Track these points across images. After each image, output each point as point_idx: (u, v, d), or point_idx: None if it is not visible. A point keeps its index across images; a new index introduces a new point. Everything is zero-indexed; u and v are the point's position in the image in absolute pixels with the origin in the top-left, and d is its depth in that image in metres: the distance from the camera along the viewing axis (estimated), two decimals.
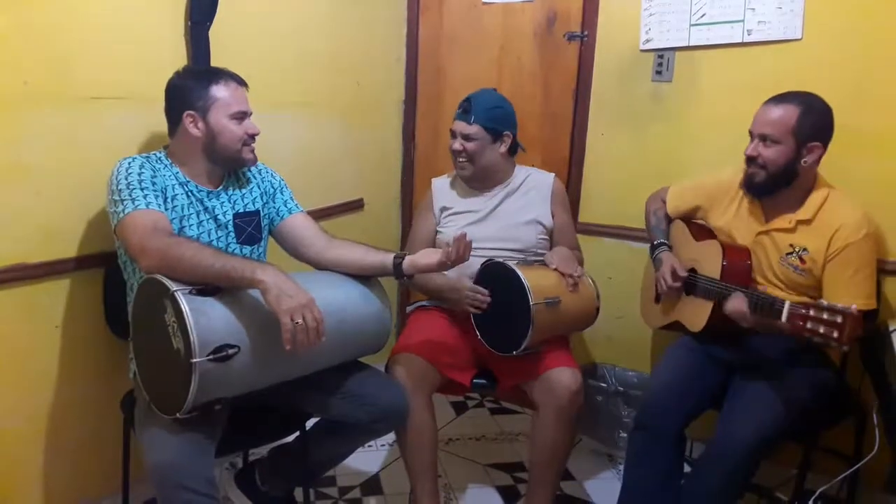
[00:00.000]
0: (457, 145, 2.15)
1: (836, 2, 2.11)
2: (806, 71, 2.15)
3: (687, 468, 2.30)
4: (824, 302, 1.51)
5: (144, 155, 1.71)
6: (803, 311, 1.50)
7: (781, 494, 2.07)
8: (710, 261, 1.94)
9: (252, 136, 1.74)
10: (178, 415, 1.44)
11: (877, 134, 2.07)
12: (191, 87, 1.68)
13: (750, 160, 1.83)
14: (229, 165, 1.78)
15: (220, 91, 1.68)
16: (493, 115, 2.12)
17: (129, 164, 1.64)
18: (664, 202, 2.20)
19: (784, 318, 1.54)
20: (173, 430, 1.49)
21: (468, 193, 2.24)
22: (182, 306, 1.39)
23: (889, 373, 1.61)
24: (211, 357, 1.40)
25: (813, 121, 1.75)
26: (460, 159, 2.16)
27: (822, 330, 1.46)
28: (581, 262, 2.15)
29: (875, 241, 1.78)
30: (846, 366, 2.04)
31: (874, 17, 2.05)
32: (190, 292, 1.43)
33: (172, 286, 1.43)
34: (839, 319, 1.44)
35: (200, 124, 1.68)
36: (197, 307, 1.41)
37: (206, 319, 1.42)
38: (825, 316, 1.46)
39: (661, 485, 1.85)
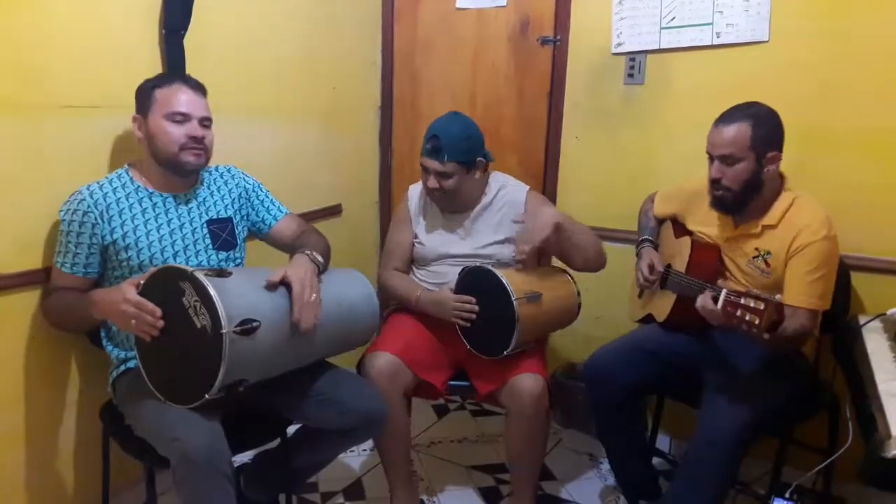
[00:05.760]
0: (432, 182, 2.07)
1: (802, 4, 2.17)
2: (773, 72, 2.20)
3: (669, 466, 2.34)
4: (754, 290, 1.55)
5: (101, 181, 1.68)
6: (734, 298, 1.54)
7: (758, 488, 2.10)
8: (680, 256, 2.00)
9: (194, 139, 1.67)
10: (206, 396, 1.45)
11: (843, 134, 2.12)
12: (142, 90, 1.69)
13: (715, 182, 1.85)
14: (174, 170, 1.71)
15: (161, 93, 1.66)
16: (464, 148, 2.05)
17: (77, 208, 1.62)
18: (653, 202, 2.26)
19: (719, 304, 1.57)
20: (198, 418, 1.48)
21: (443, 212, 2.21)
22: (204, 283, 1.43)
23: (860, 365, 1.65)
24: (238, 329, 1.44)
25: (766, 131, 1.79)
26: (436, 194, 2.11)
27: (747, 317, 1.50)
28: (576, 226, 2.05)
29: (835, 243, 1.81)
30: (819, 361, 2.08)
31: (839, 18, 2.10)
32: (206, 274, 1.46)
33: (189, 267, 1.46)
34: (761, 307, 1.47)
35: (143, 127, 1.68)
36: (217, 284, 1.45)
37: (227, 295, 1.45)
38: (752, 304, 1.50)
39: (627, 433, 2.10)
